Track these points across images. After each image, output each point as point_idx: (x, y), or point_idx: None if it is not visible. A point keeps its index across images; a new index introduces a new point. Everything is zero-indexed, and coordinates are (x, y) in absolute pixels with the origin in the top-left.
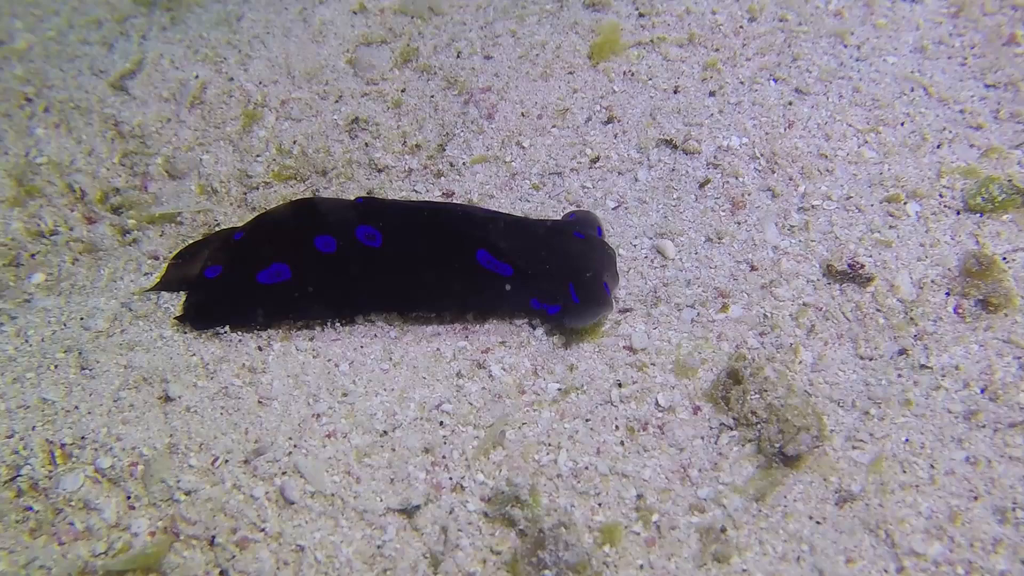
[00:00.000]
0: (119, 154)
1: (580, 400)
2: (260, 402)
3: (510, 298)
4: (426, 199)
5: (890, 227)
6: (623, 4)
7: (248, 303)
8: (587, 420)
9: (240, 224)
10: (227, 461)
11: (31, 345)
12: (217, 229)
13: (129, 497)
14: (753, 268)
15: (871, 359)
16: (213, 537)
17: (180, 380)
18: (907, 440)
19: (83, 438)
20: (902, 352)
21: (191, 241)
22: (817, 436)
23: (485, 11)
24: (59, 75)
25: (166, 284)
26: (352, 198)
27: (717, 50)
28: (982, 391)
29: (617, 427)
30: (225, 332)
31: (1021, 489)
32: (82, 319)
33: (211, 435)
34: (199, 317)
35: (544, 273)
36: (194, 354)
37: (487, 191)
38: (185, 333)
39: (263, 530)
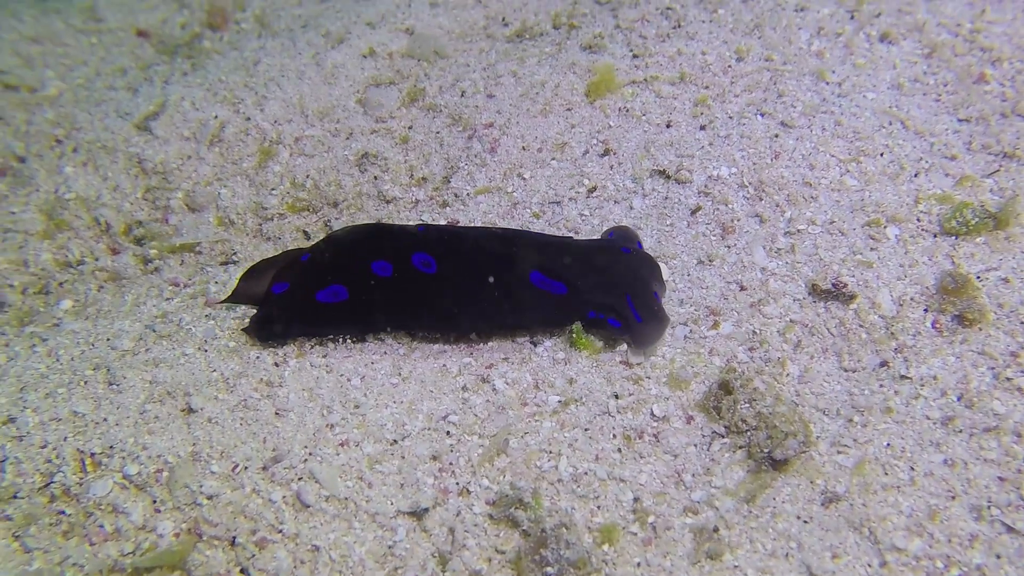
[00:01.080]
0: (142, 189)
1: (579, 411)
2: (277, 413)
3: (565, 315)
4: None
5: (871, 249)
6: (618, 46)
7: (307, 319)
8: (586, 429)
9: (309, 245)
10: (246, 468)
11: (62, 364)
12: (288, 248)
13: (155, 501)
14: (742, 288)
15: (854, 371)
16: (234, 538)
17: (202, 393)
18: (888, 445)
19: (111, 447)
20: (883, 364)
21: (263, 258)
22: (804, 442)
23: (487, 54)
24: (87, 118)
25: (237, 297)
26: (414, 225)
27: (707, 87)
28: (958, 399)
29: (614, 435)
30: (271, 347)
31: (995, 489)
32: (109, 340)
33: (231, 444)
34: (264, 330)
35: (599, 288)
36: (215, 370)
37: (490, 220)
38: (243, 345)
39: (281, 531)
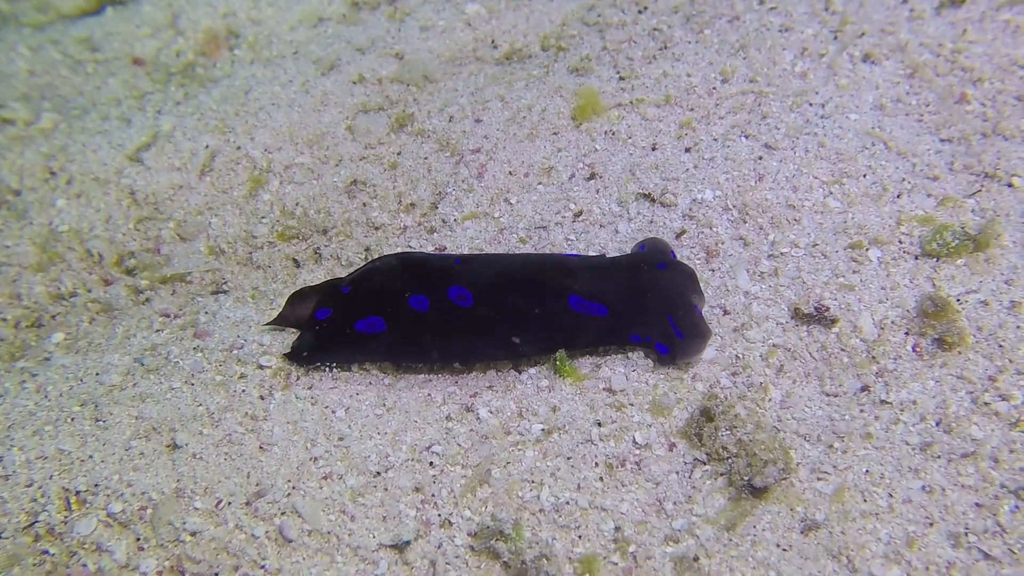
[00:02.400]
0: (134, 220)
1: (562, 439)
2: (261, 447)
3: (607, 337)
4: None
5: (853, 272)
6: (604, 68)
7: (346, 348)
8: (568, 458)
9: (348, 275)
10: (230, 503)
11: (50, 400)
12: (331, 278)
13: (138, 539)
14: (726, 312)
15: (835, 395)
16: (216, 574)
17: (187, 429)
18: (867, 471)
19: (96, 485)
20: (864, 389)
21: (309, 285)
22: (784, 469)
23: (476, 77)
24: (80, 149)
25: (282, 320)
26: (450, 256)
27: (692, 109)
28: (937, 424)
29: (597, 464)
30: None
31: (972, 515)
32: (97, 374)
33: (215, 479)
34: (305, 355)
35: (639, 309)
36: (200, 404)
37: (477, 245)
38: (230, 378)
39: (263, 567)
